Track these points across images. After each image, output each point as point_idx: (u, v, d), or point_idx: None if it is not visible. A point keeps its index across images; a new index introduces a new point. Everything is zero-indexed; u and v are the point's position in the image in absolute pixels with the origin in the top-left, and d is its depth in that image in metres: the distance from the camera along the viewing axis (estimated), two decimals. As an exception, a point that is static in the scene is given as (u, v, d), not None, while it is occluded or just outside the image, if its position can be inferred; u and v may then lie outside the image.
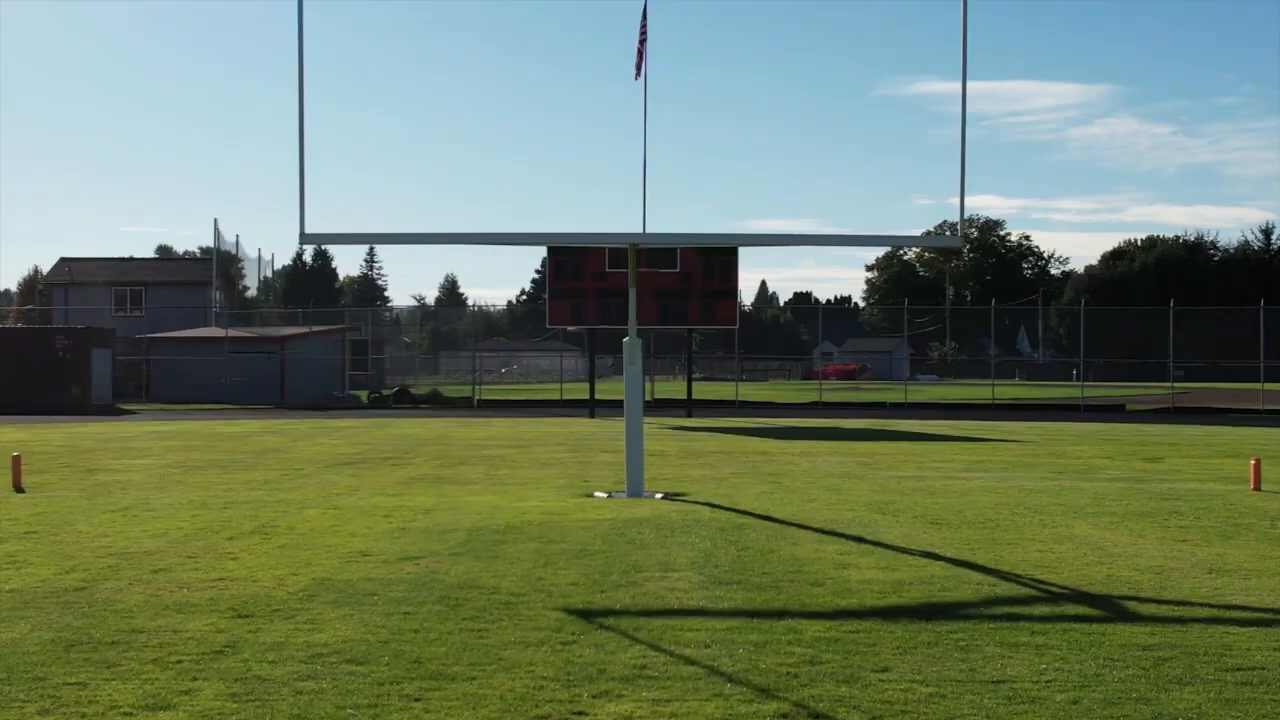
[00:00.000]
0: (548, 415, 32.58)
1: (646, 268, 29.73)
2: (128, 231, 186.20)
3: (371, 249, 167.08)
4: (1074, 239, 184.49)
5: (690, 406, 30.95)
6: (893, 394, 44.27)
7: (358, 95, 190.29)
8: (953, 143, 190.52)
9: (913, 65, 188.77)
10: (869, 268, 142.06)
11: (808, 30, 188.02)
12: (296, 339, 39.10)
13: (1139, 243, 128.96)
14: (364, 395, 40.41)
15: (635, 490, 12.33)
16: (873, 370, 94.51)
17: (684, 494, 12.71)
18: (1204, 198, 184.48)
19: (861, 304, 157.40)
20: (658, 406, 36.17)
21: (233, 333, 39.45)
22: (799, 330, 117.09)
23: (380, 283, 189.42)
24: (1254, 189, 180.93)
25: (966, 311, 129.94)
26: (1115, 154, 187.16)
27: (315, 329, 39.99)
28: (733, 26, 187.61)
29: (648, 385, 37.52)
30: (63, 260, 52.93)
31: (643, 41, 38.40)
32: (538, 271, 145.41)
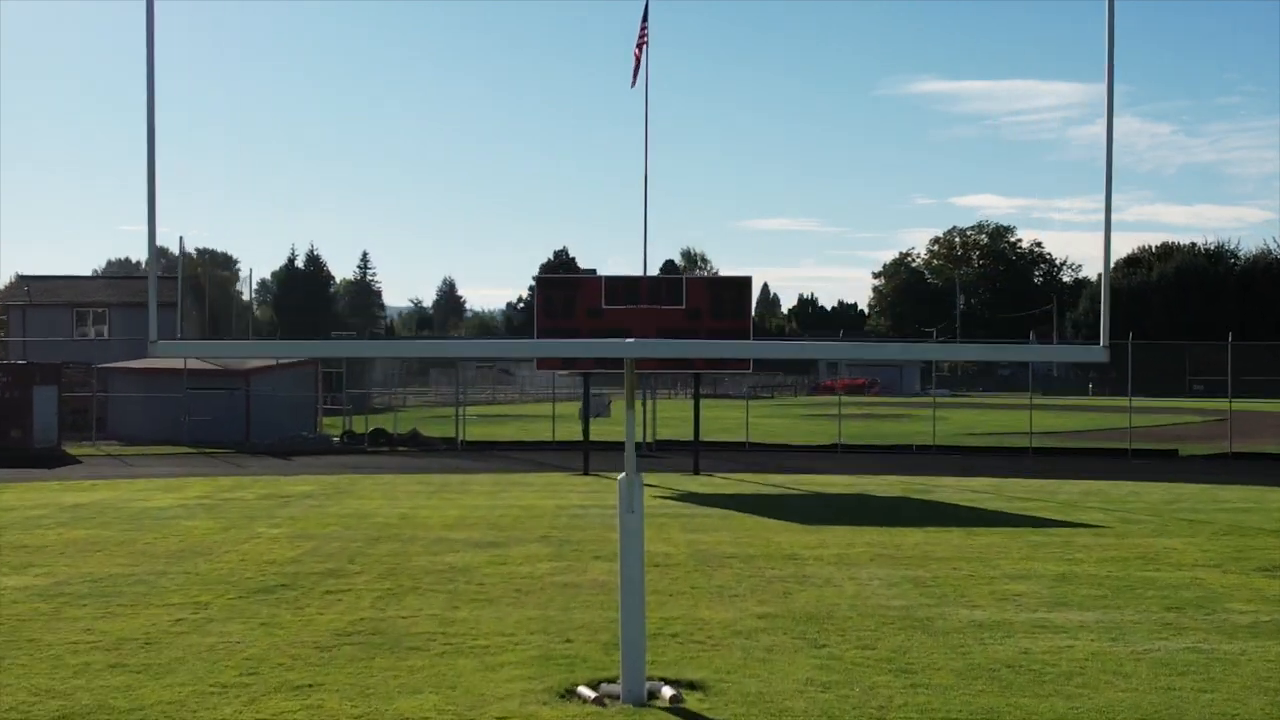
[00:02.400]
0: (537, 466, 29.17)
1: (647, 303, 26.45)
2: (127, 231, 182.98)
3: (365, 254, 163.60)
4: (1075, 238, 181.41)
5: (697, 455, 27.47)
6: (917, 427, 40.82)
7: (351, 95, 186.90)
8: (953, 143, 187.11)
9: (913, 65, 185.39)
10: (876, 275, 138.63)
11: (808, 29, 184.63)
12: (262, 373, 35.62)
13: (1153, 249, 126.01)
14: (338, 432, 36.95)
15: (634, 691, 8.84)
16: (882, 384, 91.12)
17: (700, 685, 9.23)
18: (1205, 197, 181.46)
19: (866, 309, 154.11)
20: (660, 451, 32.82)
21: (192, 365, 35.98)
22: (805, 340, 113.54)
23: (376, 287, 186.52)
24: (1255, 188, 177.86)
25: (978, 321, 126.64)
26: (1116, 153, 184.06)
27: (283, 360, 36.53)
28: (734, 25, 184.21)
29: (648, 417, 34.13)
30: (21, 278, 49.50)
31: (640, 46, 35.19)
32: (535, 278, 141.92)
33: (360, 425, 37.10)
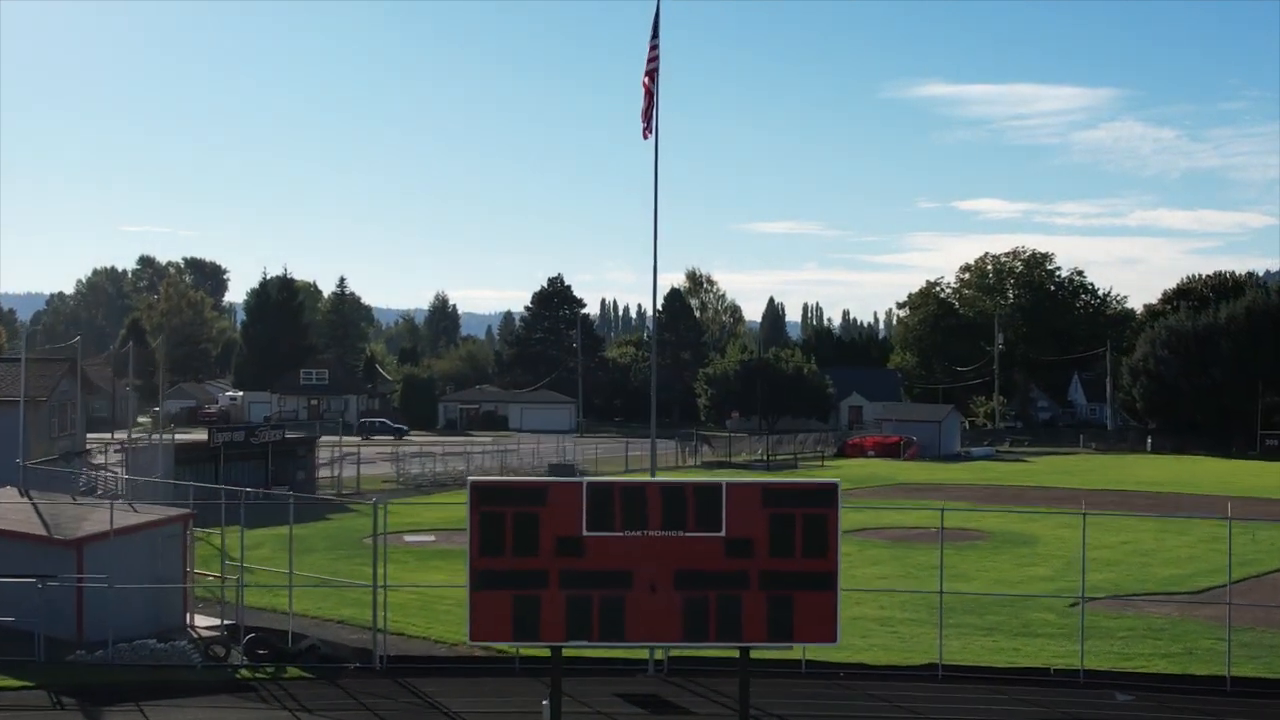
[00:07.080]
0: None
1: (660, 529, 15.74)
2: (128, 231, 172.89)
3: (342, 278, 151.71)
4: (1077, 242, 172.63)
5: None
6: (1025, 587, 29.84)
7: (348, 97, 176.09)
8: (956, 147, 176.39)
9: (917, 68, 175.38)
10: (900, 305, 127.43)
11: (812, 32, 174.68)
12: (99, 542, 24.62)
13: (1203, 277, 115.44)
14: (218, 638, 25.13)
15: None
16: (920, 443, 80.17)
17: None
18: (1207, 202, 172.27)
19: (890, 338, 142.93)
20: (675, 678, 22.12)
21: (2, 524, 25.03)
22: (823, 380, 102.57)
23: (364, 301, 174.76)
24: (1257, 194, 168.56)
25: (1016, 359, 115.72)
26: (1119, 158, 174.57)
27: (131, 523, 25.49)
28: (736, 30, 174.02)
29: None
30: None
31: (650, 74, 24.68)
32: (528, 308, 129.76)
33: (248, 584, 26.24)
